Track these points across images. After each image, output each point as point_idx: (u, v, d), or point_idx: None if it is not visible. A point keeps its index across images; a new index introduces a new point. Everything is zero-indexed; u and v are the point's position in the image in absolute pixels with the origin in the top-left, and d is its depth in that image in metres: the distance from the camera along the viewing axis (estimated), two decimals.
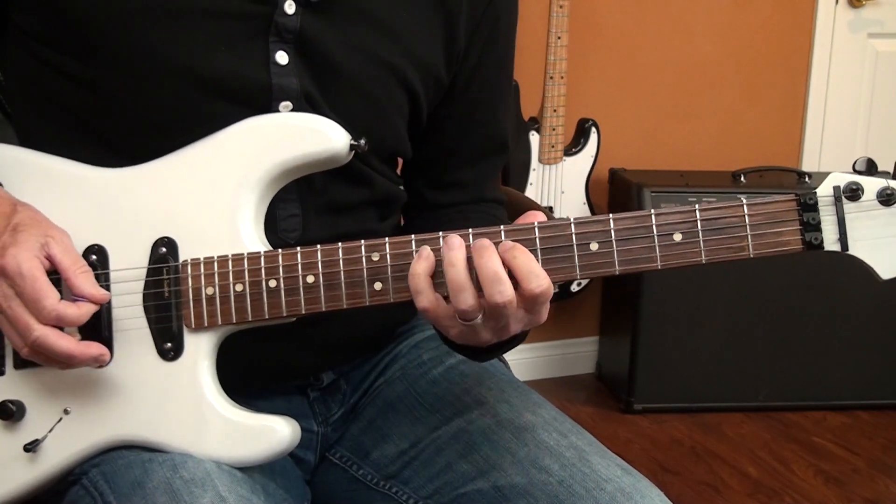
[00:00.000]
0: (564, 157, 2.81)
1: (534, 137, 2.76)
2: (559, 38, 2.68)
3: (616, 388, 2.93)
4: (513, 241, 0.90)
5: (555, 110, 2.74)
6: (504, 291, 0.87)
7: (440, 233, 0.92)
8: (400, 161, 1.19)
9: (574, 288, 2.90)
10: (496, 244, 0.89)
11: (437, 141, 1.17)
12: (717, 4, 3.03)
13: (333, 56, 1.02)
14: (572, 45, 2.72)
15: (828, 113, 3.20)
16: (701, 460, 2.60)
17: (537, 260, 0.90)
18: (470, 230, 0.92)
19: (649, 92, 3.02)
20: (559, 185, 2.81)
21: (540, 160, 2.77)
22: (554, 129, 2.75)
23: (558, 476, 0.99)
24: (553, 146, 2.77)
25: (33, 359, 0.94)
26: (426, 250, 0.90)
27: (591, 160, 2.83)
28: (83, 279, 0.93)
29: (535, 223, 0.91)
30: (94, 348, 0.93)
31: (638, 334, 2.77)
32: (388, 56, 1.06)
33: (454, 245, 0.89)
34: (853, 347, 2.80)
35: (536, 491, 0.99)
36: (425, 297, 0.90)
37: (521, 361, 3.01)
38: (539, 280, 0.88)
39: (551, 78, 2.71)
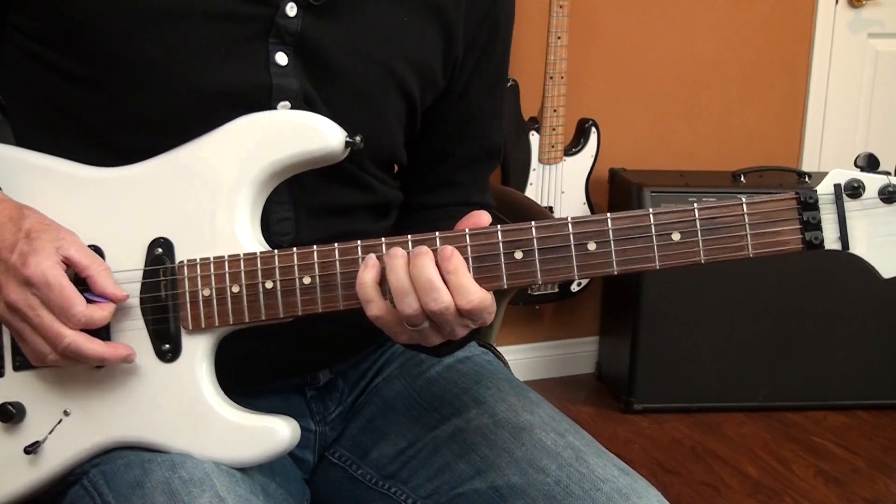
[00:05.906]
0: (564, 157, 2.81)
1: (534, 137, 2.76)
2: (559, 38, 2.67)
3: (616, 388, 2.93)
4: (506, 241, 0.90)
5: (555, 110, 2.74)
6: (438, 298, 0.87)
7: (437, 233, 0.91)
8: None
9: (574, 288, 2.90)
10: (435, 251, 0.88)
11: (431, 147, 1.16)
12: (717, 4, 3.03)
13: (333, 59, 1.02)
14: (572, 45, 2.71)
15: (828, 113, 3.20)
16: (701, 460, 2.60)
17: (534, 260, 0.90)
18: (467, 231, 0.91)
19: (649, 92, 3.02)
20: (559, 185, 2.81)
21: (540, 160, 2.77)
22: (554, 129, 2.75)
23: (555, 476, 0.99)
24: (553, 146, 2.77)
25: (59, 364, 0.94)
26: (372, 259, 0.90)
27: (591, 160, 2.83)
28: (105, 278, 0.94)
29: (533, 223, 0.90)
30: (122, 349, 0.94)
31: (638, 334, 2.77)
32: (388, 60, 1.05)
33: (396, 254, 0.89)
34: (853, 347, 2.80)
35: (533, 491, 0.99)
36: (375, 306, 0.90)
37: (521, 361, 3.01)
38: (469, 296, 0.88)
39: (551, 78, 2.71)
